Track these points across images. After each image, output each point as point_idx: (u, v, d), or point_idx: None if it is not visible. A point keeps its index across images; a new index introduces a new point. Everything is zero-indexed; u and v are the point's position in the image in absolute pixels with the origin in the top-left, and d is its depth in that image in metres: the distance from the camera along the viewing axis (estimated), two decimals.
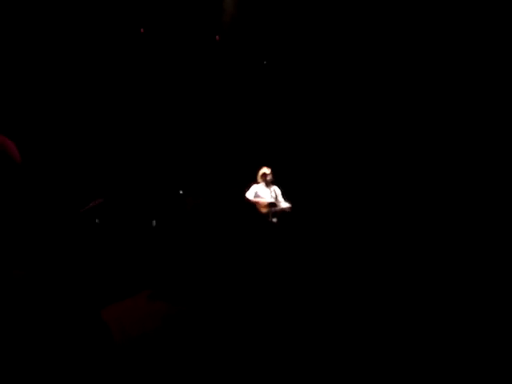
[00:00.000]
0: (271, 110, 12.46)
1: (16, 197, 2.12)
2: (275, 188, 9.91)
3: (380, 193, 11.31)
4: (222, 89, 12.46)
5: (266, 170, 9.87)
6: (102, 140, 11.43)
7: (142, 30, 12.08)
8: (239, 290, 2.06)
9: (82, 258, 7.21)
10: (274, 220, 9.76)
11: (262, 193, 9.79)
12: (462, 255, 10.41)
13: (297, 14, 11.96)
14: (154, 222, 10.47)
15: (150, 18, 11.98)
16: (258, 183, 9.87)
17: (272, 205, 9.74)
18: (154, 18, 11.98)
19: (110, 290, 5.46)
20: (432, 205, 11.21)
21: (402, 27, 11.06)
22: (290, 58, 12.57)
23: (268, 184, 9.83)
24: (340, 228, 10.50)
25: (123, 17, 11.73)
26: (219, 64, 12.43)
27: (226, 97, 12.44)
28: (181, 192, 10.51)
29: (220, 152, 11.99)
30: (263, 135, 12.21)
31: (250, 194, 9.71)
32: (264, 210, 9.61)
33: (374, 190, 11.36)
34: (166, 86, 12.19)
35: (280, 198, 9.91)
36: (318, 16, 11.94)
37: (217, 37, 12.48)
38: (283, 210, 9.87)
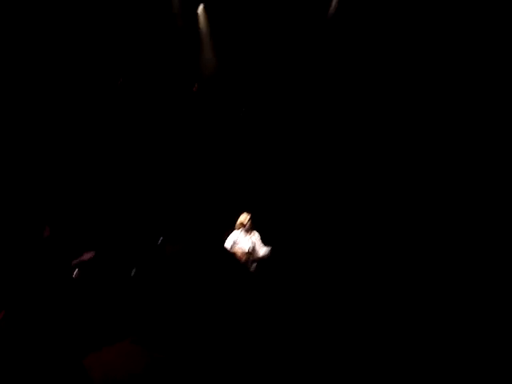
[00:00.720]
0: (249, 156, 12.58)
1: None
2: (254, 234, 9.87)
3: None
4: (201, 135, 12.59)
5: (244, 217, 9.83)
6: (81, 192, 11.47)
7: (120, 79, 12.24)
8: (218, 337, 2.08)
9: (65, 306, 7.16)
10: (253, 268, 9.73)
11: (241, 240, 9.74)
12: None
13: (273, 61, 12.23)
14: (134, 270, 10.40)
15: (129, 68, 12.16)
16: (236, 230, 9.83)
17: (250, 253, 9.71)
18: (133, 68, 12.16)
19: (93, 337, 5.43)
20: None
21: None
22: (267, 107, 12.76)
23: (247, 231, 9.79)
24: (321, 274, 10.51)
25: (102, 66, 11.91)
26: (199, 112, 12.59)
27: (204, 144, 12.56)
28: (161, 239, 10.49)
29: (198, 198, 12.04)
30: (241, 182, 12.29)
31: (228, 243, 9.62)
32: (242, 259, 9.58)
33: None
34: (145, 134, 12.29)
35: (258, 244, 9.84)
36: (295, 64, 12.21)
37: (195, 86, 12.69)
38: (262, 258, 9.83)
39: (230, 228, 9.84)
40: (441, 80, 11.29)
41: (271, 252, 9.85)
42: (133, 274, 10.31)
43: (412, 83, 11.70)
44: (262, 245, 9.83)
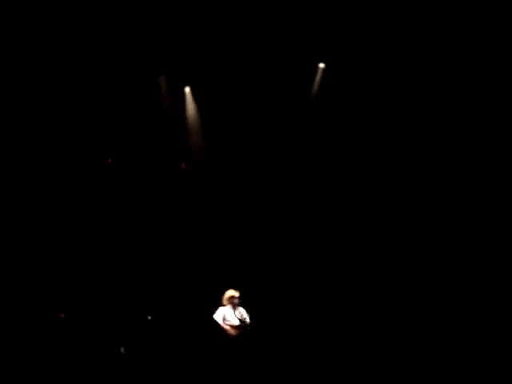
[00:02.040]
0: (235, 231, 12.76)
1: None
2: (241, 309, 9.92)
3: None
4: (188, 214, 12.76)
5: (233, 292, 9.89)
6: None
7: (109, 159, 12.45)
8: None
9: None
10: (244, 340, 9.75)
11: (229, 316, 9.78)
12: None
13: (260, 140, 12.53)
14: (123, 349, 10.38)
15: (118, 148, 12.41)
16: (223, 305, 9.88)
17: (240, 327, 9.75)
18: (122, 148, 12.41)
19: None
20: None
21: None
22: (252, 183, 12.98)
23: (234, 306, 9.84)
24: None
25: (91, 146, 12.15)
26: (187, 190, 12.78)
27: (191, 221, 12.72)
28: (149, 317, 10.51)
29: (183, 273, 12.11)
30: (226, 258, 12.41)
31: (218, 317, 9.66)
32: (233, 333, 9.61)
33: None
34: (131, 217, 12.46)
35: (247, 319, 9.89)
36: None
37: (183, 165, 12.90)
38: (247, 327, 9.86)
39: (216, 304, 9.87)
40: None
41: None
42: (122, 351, 10.30)
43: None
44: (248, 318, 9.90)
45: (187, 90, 12.47)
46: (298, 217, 12.76)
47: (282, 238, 12.70)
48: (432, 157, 11.81)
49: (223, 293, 9.89)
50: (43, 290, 10.89)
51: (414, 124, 11.84)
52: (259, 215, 12.82)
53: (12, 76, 10.78)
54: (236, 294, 9.88)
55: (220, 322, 9.59)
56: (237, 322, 9.73)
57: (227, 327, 9.60)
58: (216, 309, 9.77)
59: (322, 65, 12.11)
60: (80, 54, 10.96)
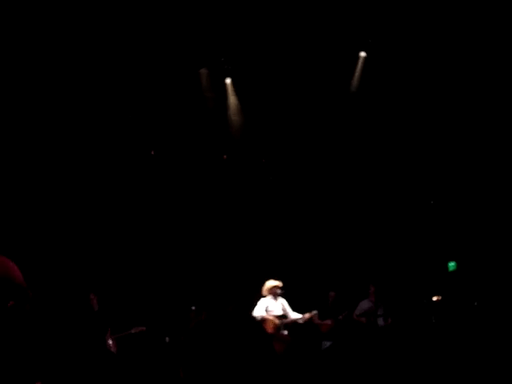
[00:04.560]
0: (276, 226, 12.80)
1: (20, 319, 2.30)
2: (282, 300, 9.96)
3: None
4: (230, 206, 12.85)
5: (275, 283, 9.93)
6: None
7: (152, 152, 12.60)
8: None
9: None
10: (285, 332, 9.81)
11: (272, 306, 9.84)
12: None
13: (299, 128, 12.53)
14: (168, 338, 10.55)
15: (160, 140, 12.53)
16: (264, 297, 9.96)
17: (283, 317, 9.81)
18: (164, 141, 12.53)
19: None
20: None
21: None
22: (295, 175, 13.01)
23: (276, 297, 9.88)
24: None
25: (134, 139, 12.29)
26: (227, 182, 12.86)
27: (233, 213, 12.80)
28: (193, 308, 10.64)
29: (223, 267, 12.21)
30: (269, 249, 12.47)
31: (260, 310, 9.69)
32: (274, 324, 9.66)
33: None
34: (175, 208, 12.58)
35: (289, 309, 9.95)
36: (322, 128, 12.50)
37: (224, 156, 12.99)
38: (294, 322, 9.94)
39: (256, 295, 9.93)
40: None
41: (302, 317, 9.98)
42: (167, 341, 10.47)
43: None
44: (290, 309, 9.96)
45: (228, 81, 12.50)
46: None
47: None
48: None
49: (261, 285, 9.99)
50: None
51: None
52: (299, 206, 12.89)
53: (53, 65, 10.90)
54: (278, 283, 9.93)
55: (262, 313, 9.64)
56: (280, 313, 9.80)
57: (270, 317, 9.66)
58: (254, 305, 9.86)
59: (363, 53, 11.98)
60: (122, 47, 11.05)
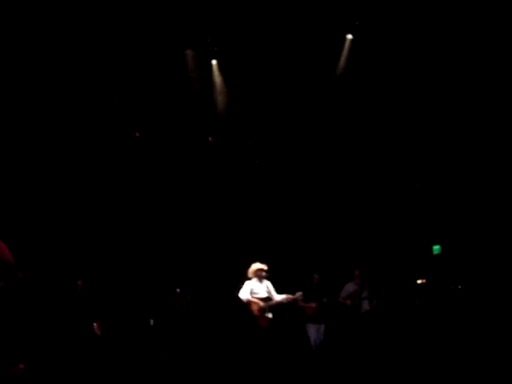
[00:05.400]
0: (262, 209, 12.78)
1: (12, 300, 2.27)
2: (267, 283, 10.00)
3: None
4: (215, 188, 12.80)
5: (260, 265, 9.95)
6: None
7: (137, 133, 12.50)
8: None
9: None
10: (270, 315, 9.82)
11: (257, 289, 9.85)
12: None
13: (286, 111, 12.47)
14: (152, 321, 10.52)
15: (145, 122, 12.44)
16: (249, 279, 9.96)
17: (267, 299, 9.83)
18: (149, 122, 12.43)
19: None
20: None
21: None
22: (281, 157, 12.98)
23: (261, 279, 9.91)
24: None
25: (119, 120, 12.19)
26: (213, 165, 12.81)
27: (218, 195, 12.77)
28: (178, 290, 10.62)
29: (209, 249, 12.20)
30: (254, 232, 12.47)
31: (245, 293, 9.72)
32: (259, 306, 9.67)
33: None
34: (159, 190, 12.51)
35: (273, 292, 9.98)
36: (309, 113, 12.45)
37: (210, 138, 12.93)
38: (279, 304, 9.95)
39: (242, 278, 9.95)
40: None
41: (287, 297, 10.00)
42: (152, 323, 10.44)
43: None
44: (275, 292, 9.99)
45: (214, 62, 12.40)
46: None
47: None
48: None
49: (246, 268, 10.01)
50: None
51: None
52: (285, 188, 12.87)
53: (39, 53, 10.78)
54: (264, 266, 9.95)
55: (247, 296, 9.66)
56: (265, 295, 9.82)
57: (255, 299, 9.69)
58: (240, 283, 9.87)
59: (350, 36, 11.91)
60: (107, 27, 10.92)
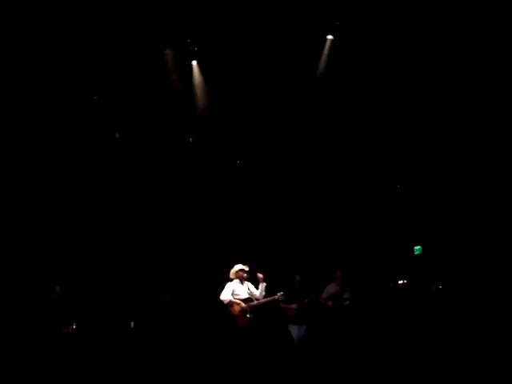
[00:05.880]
0: (243, 209, 12.75)
1: None
2: (249, 284, 10.00)
3: None
4: (196, 189, 12.75)
5: (242, 266, 9.94)
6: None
7: (117, 134, 12.41)
8: None
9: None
10: (251, 316, 9.80)
11: (238, 290, 9.84)
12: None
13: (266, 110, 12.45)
14: (132, 323, 10.47)
15: (125, 122, 12.35)
16: (231, 280, 9.94)
17: (249, 300, 9.81)
18: (129, 123, 12.35)
19: None
20: None
21: None
22: (262, 157, 12.95)
23: (242, 280, 9.91)
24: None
25: (99, 121, 12.09)
26: (193, 165, 12.76)
27: (199, 196, 12.71)
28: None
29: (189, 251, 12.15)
30: (235, 233, 12.44)
31: (226, 294, 9.69)
32: (241, 307, 9.66)
33: None
34: (139, 191, 12.43)
35: (255, 292, 9.98)
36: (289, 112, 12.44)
37: (190, 139, 12.87)
38: (260, 305, 9.96)
39: (224, 279, 9.93)
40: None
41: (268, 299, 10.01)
42: (132, 325, 10.38)
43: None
44: (257, 292, 9.99)
45: (194, 63, 12.35)
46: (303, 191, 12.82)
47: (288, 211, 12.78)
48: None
49: (228, 269, 9.98)
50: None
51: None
52: (265, 189, 12.85)
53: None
54: (245, 267, 9.94)
55: (229, 297, 9.64)
56: (246, 296, 9.81)
57: (237, 300, 9.67)
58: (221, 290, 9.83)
59: (330, 36, 11.90)
60: (86, 26, 10.83)
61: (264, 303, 10.03)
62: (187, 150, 12.80)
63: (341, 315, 10.33)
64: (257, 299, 9.96)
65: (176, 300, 2.28)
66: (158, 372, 2.10)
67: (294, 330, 9.91)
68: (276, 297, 10.05)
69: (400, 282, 10.94)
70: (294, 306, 10.59)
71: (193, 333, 2.15)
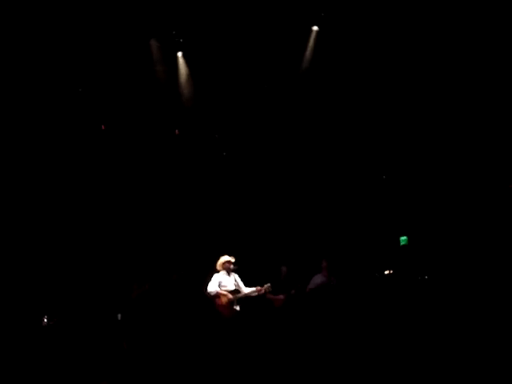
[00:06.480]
0: (229, 201, 12.77)
1: None
2: (235, 275, 10.02)
3: None
4: (182, 180, 12.74)
5: (228, 258, 9.96)
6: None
7: (103, 126, 12.38)
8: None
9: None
10: (238, 307, 9.82)
11: (225, 281, 9.86)
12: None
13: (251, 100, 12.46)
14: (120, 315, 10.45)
15: (111, 114, 12.31)
16: (217, 272, 9.97)
17: (235, 292, 9.83)
18: (115, 115, 12.31)
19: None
20: None
21: None
22: (248, 149, 12.96)
23: (229, 272, 9.94)
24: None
25: (84, 113, 12.05)
26: (179, 157, 12.74)
27: (185, 188, 12.70)
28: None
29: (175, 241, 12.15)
30: (221, 225, 12.44)
31: (213, 285, 9.71)
32: (228, 299, 9.68)
33: None
34: (124, 183, 12.42)
35: (241, 284, 10.01)
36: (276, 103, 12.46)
37: (176, 131, 12.85)
38: (247, 296, 9.97)
39: (210, 270, 9.95)
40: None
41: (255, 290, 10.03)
42: (119, 318, 10.36)
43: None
44: (243, 284, 10.02)
45: (179, 54, 12.32)
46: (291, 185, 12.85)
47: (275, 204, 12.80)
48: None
49: (215, 260, 10.00)
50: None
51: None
52: (251, 180, 12.87)
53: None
54: (231, 259, 9.96)
55: (216, 289, 9.66)
56: (232, 288, 9.82)
57: (224, 291, 9.69)
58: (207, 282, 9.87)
59: (315, 28, 11.91)
60: (71, 16, 10.77)
61: (251, 295, 10.05)
62: (173, 141, 12.78)
63: (327, 305, 10.36)
64: (244, 291, 9.97)
65: (154, 291, 2.31)
66: (139, 361, 2.13)
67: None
68: (263, 288, 10.07)
69: (386, 272, 10.99)
70: (281, 296, 10.61)
71: (170, 323, 2.18)
